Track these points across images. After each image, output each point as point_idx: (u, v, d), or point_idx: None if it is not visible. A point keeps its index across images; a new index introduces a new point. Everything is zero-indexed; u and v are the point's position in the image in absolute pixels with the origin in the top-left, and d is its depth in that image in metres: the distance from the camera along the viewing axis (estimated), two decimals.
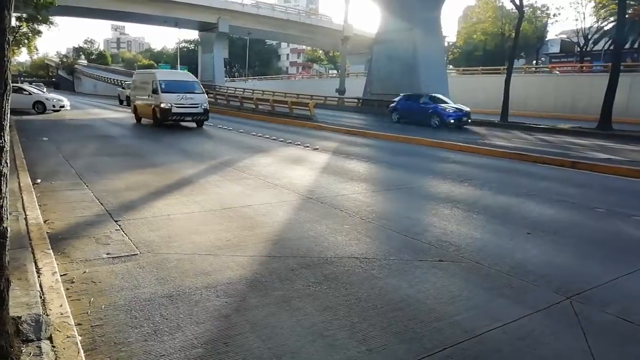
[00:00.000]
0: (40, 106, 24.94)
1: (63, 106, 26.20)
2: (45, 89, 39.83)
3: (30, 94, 25.81)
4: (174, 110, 17.10)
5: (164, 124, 17.61)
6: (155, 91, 17.55)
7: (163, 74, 19.53)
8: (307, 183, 8.30)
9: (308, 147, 13.37)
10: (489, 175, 9.77)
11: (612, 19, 39.25)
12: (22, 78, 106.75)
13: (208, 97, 19.64)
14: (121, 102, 33.23)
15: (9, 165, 2.46)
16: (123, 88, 37.67)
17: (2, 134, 2.36)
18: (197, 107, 17.72)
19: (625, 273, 4.45)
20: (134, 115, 20.59)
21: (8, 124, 2.43)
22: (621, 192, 8.65)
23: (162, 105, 17.01)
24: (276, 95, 37.87)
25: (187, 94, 17.65)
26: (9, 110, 2.42)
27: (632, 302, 3.87)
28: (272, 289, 3.84)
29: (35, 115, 23.72)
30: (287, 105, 24.72)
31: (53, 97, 26.98)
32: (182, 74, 22.64)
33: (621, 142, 16.36)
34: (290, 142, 14.24)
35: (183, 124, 18.52)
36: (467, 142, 14.54)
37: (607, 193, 8.45)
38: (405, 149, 14.00)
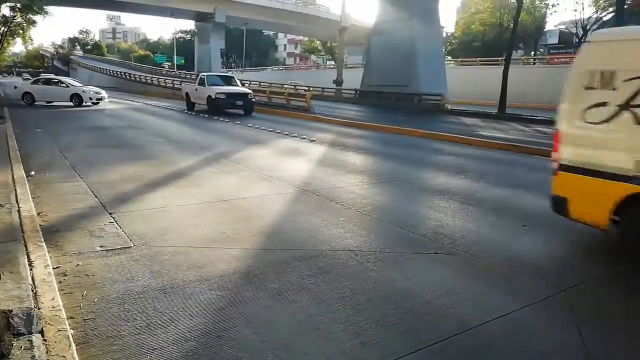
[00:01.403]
0: (77, 99, 24.13)
1: (100, 98, 25.25)
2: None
3: (67, 86, 25.03)
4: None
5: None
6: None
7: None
8: (303, 175, 8.27)
9: (305, 138, 13.32)
10: (485, 167, 9.76)
11: (611, 9, 39.06)
12: (17, 69, 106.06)
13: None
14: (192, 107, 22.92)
15: None
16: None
17: None
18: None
19: (619, 267, 4.45)
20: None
21: None
22: None
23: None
24: (273, 87, 37.67)
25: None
26: None
27: (626, 296, 3.87)
28: (266, 281, 3.82)
29: (75, 107, 23.07)
30: (284, 97, 24.61)
31: (90, 89, 25.97)
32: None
33: None
34: (287, 134, 14.19)
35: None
36: (464, 134, 14.51)
37: None
38: (401, 140, 13.96)
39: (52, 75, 32.98)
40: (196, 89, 21.86)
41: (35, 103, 24.12)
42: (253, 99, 21.00)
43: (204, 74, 23.40)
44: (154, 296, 3.50)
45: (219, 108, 20.02)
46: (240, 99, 20.45)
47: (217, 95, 19.82)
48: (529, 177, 8.67)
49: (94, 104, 24.83)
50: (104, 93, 26.08)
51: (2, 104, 21.52)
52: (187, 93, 23.20)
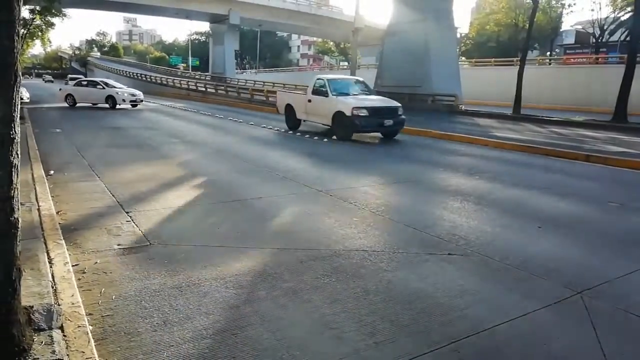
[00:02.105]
0: (111, 101, 23.48)
1: (135, 101, 24.03)
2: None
3: (103, 87, 24.47)
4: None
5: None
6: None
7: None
8: (316, 175, 8.29)
9: (317, 139, 13.34)
10: (500, 168, 9.68)
11: (629, 9, 38.41)
12: (36, 70, 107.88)
13: (218, 89, 18.75)
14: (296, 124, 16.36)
15: (19, 156, 2.48)
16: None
17: (12, 125, 2.38)
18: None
19: (637, 268, 4.38)
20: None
21: (18, 116, 2.44)
22: (635, 186, 8.52)
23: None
24: (286, 88, 37.77)
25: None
26: (19, 101, 2.44)
27: None
28: (281, 280, 3.85)
29: (109, 109, 22.91)
30: None
31: (125, 90, 24.78)
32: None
33: (636, 135, 16.08)
34: (299, 134, 14.22)
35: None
36: (479, 135, 14.40)
37: (621, 187, 8.33)
38: (414, 141, 13.90)
39: (94, 77, 32.96)
40: (309, 100, 14.37)
41: (77, 105, 24.41)
42: (403, 116, 13.60)
43: (323, 77, 14.86)
44: (171, 294, 3.55)
45: (357, 130, 13.03)
46: (390, 116, 13.10)
47: (355, 112, 12.44)
48: (545, 179, 8.58)
49: (132, 106, 24.09)
50: (140, 95, 24.80)
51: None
52: (289, 105, 15.85)
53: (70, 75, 65.57)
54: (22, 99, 14.53)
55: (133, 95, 24.44)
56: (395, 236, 5.13)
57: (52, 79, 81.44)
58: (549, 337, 3.14)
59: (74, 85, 25.78)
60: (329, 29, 61.14)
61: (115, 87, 25.08)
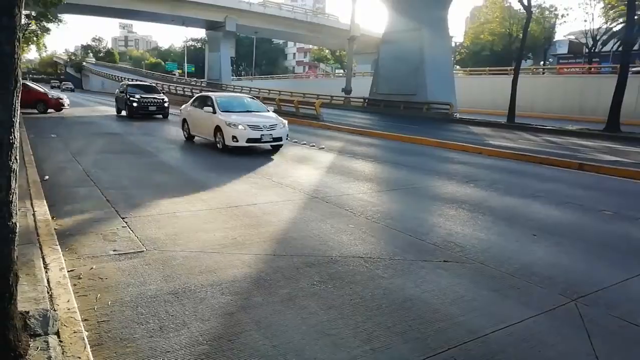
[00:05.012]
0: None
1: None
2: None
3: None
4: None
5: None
6: None
7: None
8: (312, 182, 8.31)
9: (314, 146, 13.38)
10: (495, 176, 9.74)
11: (621, 19, 38.97)
12: (30, 75, 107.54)
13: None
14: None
15: (18, 161, 2.49)
16: None
17: (12, 130, 2.39)
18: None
19: (631, 276, 4.43)
20: None
21: (18, 121, 2.45)
22: (628, 194, 8.60)
23: None
24: (282, 95, 37.88)
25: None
26: (18, 107, 2.45)
27: (638, 305, 3.85)
28: (277, 287, 3.85)
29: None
30: (293, 105, 24.73)
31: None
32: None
33: (629, 144, 16.25)
34: (296, 142, 14.26)
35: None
36: (473, 143, 14.49)
37: (614, 195, 8.40)
38: (410, 149, 13.97)
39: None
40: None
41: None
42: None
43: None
44: (167, 300, 3.55)
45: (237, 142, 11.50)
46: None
47: (232, 127, 11.32)
48: (539, 187, 8.64)
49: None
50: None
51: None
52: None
53: (53, 82, 64.74)
54: (62, 105, 18.17)
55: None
56: (391, 243, 5.15)
57: (72, 87, 71.55)
58: (544, 344, 3.16)
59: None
60: (325, 37, 61.53)
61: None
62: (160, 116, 22.32)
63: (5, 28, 2.32)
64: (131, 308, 3.40)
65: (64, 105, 23.69)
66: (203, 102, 13.05)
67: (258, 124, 11.40)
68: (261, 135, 11.29)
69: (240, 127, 11.14)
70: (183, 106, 14.70)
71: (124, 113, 22.68)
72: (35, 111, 22.42)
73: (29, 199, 5.85)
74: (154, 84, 29.13)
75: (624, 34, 23.50)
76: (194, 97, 14.70)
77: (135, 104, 21.33)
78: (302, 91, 41.26)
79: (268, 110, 13.38)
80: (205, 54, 64.58)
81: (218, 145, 11.80)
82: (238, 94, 17.61)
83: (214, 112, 11.93)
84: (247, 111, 12.52)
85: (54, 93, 25.24)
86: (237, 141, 11.15)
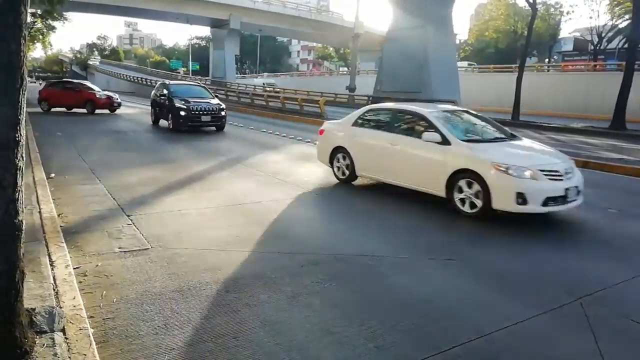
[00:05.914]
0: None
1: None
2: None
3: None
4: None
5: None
6: None
7: None
8: (316, 180, 8.31)
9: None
10: None
11: (627, 16, 38.62)
12: (36, 73, 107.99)
13: (218, 93, 19.44)
14: None
15: (24, 159, 2.50)
16: None
17: (18, 128, 2.40)
18: None
19: (636, 275, 4.40)
20: None
21: (24, 119, 2.46)
22: (634, 193, 8.55)
23: None
24: (286, 92, 37.86)
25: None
26: (25, 104, 2.46)
27: None
28: (281, 284, 3.86)
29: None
30: (297, 102, 24.73)
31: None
32: None
33: (634, 142, 16.13)
34: (300, 139, 14.27)
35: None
36: None
37: (620, 194, 8.36)
38: None
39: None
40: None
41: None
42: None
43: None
44: (172, 297, 3.56)
45: (185, 123, 15.11)
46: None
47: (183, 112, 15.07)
48: None
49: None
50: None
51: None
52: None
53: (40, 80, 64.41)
54: (113, 104, 18.48)
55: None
56: (391, 242, 5.14)
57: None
58: (549, 342, 3.15)
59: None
60: (329, 35, 61.35)
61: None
62: (214, 128, 16.27)
63: (11, 26, 2.32)
64: (136, 305, 3.42)
65: (115, 105, 22.38)
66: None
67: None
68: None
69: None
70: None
71: (164, 123, 16.83)
72: (84, 110, 21.69)
73: (35, 197, 5.88)
74: (202, 85, 23.83)
75: (630, 30, 23.27)
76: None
77: (183, 112, 15.22)
78: (305, 89, 41.21)
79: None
80: (210, 52, 64.46)
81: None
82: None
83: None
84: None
85: (102, 92, 23.43)
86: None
